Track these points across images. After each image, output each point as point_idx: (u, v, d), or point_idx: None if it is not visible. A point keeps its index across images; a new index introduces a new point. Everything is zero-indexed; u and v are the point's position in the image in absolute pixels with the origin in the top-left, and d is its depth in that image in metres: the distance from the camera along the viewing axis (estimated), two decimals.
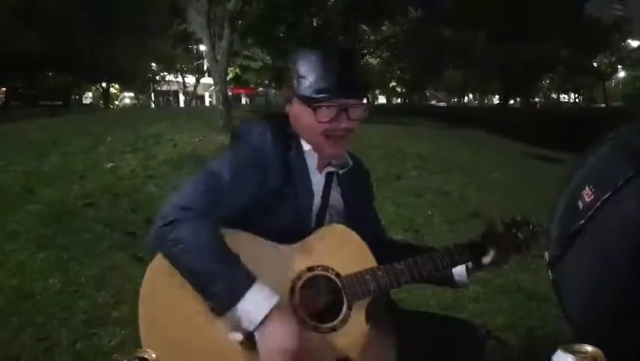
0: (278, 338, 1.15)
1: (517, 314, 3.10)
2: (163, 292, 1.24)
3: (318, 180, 1.44)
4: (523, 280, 3.55)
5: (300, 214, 1.39)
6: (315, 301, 1.34)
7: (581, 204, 2.80)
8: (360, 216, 1.51)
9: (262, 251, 1.31)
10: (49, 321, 2.82)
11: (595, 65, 33.63)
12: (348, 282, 1.34)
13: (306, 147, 1.42)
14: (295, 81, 1.37)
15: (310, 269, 1.33)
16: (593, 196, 2.73)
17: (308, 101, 1.34)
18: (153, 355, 0.94)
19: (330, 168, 1.47)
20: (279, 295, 1.21)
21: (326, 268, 1.34)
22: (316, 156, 1.43)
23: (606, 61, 34.83)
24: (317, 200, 1.43)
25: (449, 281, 1.58)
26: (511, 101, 33.25)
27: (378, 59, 27.56)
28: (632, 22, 34.51)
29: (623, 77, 42.68)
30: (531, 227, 1.57)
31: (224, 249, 1.21)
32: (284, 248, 1.34)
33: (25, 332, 2.69)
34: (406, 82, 30.07)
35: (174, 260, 1.21)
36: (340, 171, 1.48)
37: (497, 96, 36.13)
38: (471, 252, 1.50)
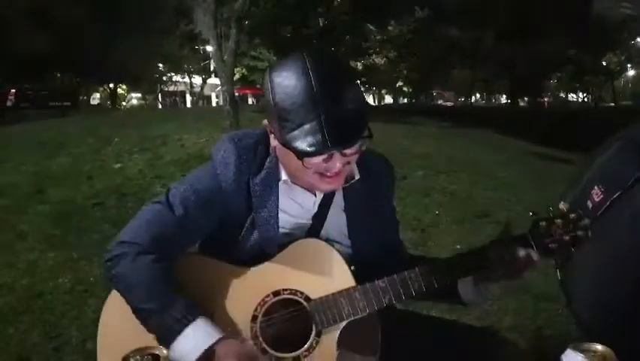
0: None
1: (524, 315, 3.07)
2: (119, 323, 1.22)
3: (308, 201, 1.30)
4: (531, 280, 3.52)
5: (262, 248, 1.27)
6: (282, 328, 1.22)
7: (590, 204, 2.76)
8: (369, 232, 1.34)
9: (224, 275, 1.23)
10: (59, 320, 2.85)
11: (604, 63, 33.39)
12: (318, 306, 1.20)
13: (284, 175, 1.27)
14: (275, 124, 1.13)
15: (276, 293, 1.22)
16: (602, 196, 2.70)
17: (293, 153, 1.12)
18: (165, 351, 0.94)
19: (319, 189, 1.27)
20: (238, 322, 1.18)
21: (294, 292, 1.22)
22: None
23: (615, 60, 34.55)
24: (304, 221, 1.30)
25: (453, 298, 1.31)
26: (519, 101, 33.11)
27: (384, 59, 27.53)
28: None
29: (632, 76, 42.35)
30: (572, 218, 1.24)
31: (161, 286, 1.15)
32: (247, 270, 1.24)
33: (35, 330, 2.72)
34: (412, 81, 30.00)
35: (120, 294, 1.20)
36: (344, 185, 1.27)
37: (504, 96, 35.97)
38: (476, 261, 1.23)
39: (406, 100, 33.39)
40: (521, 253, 1.20)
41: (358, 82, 1.43)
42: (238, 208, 1.26)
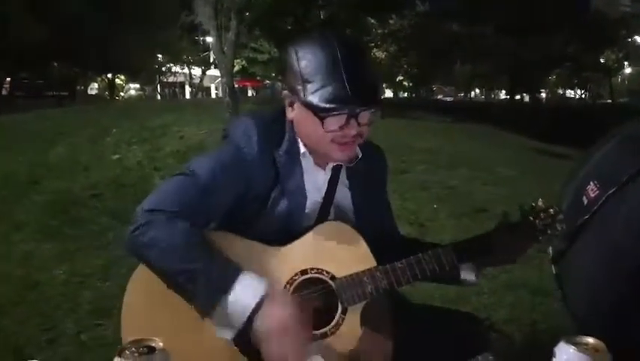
0: (277, 317, 1.11)
1: (520, 308, 3.08)
2: (145, 305, 1.22)
3: (320, 178, 1.36)
4: (527, 274, 3.53)
5: (291, 218, 1.30)
6: (309, 306, 1.26)
7: (585, 200, 2.77)
8: (371, 211, 1.41)
9: (252, 254, 1.25)
10: (54, 311, 2.83)
11: (602, 60, 33.34)
12: (343, 285, 1.26)
13: (302, 148, 1.32)
14: (299, 86, 1.23)
15: (304, 272, 1.26)
16: (597, 192, 2.70)
17: (315, 110, 1.21)
18: (160, 344, 0.92)
19: (336, 163, 1.36)
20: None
21: (320, 271, 1.26)
22: (314, 156, 1.33)
23: (613, 57, 34.51)
24: (317, 199, 1.35)
25: (456, 279, 1.44)
26: (518, 97, 33.10)
27: (385, 53, 27.45)
28: None
29: (630, 74, 42.30)
30: (551, 212, 1.44)
31: (201, 246, 1.16)
32: (276, 250, 1.26)
33: (30, 322, 2.70)
34: (413, 76, 29.91)
35: (151, 265, 1.17)
36: (349, 165, 1.35)
37: (504, 91, 35.94)
38: (480, 247, 1.37)
39: (406, 94, 33.32)
40: (519, 239, 1.39)
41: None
42: (265, 179, 1.28)
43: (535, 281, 3.43)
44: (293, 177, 1.31)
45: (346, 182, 1.40)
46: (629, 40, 34.86)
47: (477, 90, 42.58)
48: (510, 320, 2.93)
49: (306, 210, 1.33)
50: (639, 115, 3.37)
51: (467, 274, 1.41)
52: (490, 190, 5.71)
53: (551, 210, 1.44)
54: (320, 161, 1.35)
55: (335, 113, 1.21)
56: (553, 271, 2.79)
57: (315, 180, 1.35)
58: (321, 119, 1.21)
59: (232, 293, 1.12)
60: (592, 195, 2.77)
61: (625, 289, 2.44)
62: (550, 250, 2.89)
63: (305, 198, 1.32)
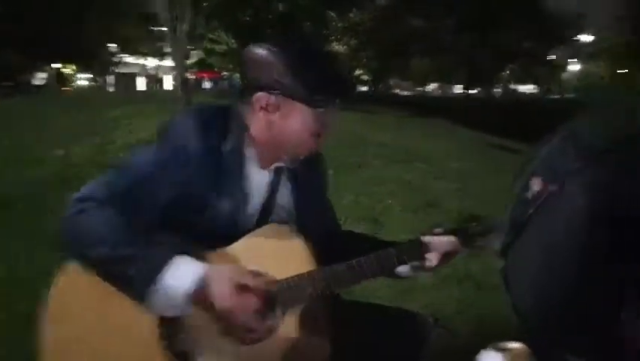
0: (220, 293, 1.13)
1: (467, 303, 3.12)
2: (75, 308, 1.19)
3: (262, 180, 1.35)
4: (473, 269, 3.61)
5: (232, 219, 1.28)
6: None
7: (530, 195, 2.87)
8: (312, 212, 1.41)
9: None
10: None
11: (552, 57, 34.53)
12: (283, 288, 1.24)
13: (248, 147, 1.31)
14: (288, 79, 1.23)
15: None
16: (541, 187, 2.80)
17: (309, 100, 1.24)
18: None
19: (278, 163, 1.35)
20: None
21: (258, 274, 1.23)
22: (258, 153, 1.33)
23: (562, 54, 35.81)
24: (258, 200, 1.34)
25: (394, 275, 1.47)
26: (474, 91, 33.87)
27: (345, 47, 27.49)
28: (587, 17, 35.50)
29: (578, 70, 43.97)
30: (480, 225, 1.52)
31: (131, 232, 1.14)
32: (215, 252, 1.23)
33: None
34: (372, 70, 30.11)
35: (83, 254, 1.15)
36: (291, 165, 1.37)
37: (459, 86, 36.68)
38: (420, 250, 1.41)
39: (364, 88, 33.53)
40: (454, 246, 1.44)
41: None
42: (204, 178, 1.24)
43: (481, 275, 3.50)
44: (235, 177, 1.29)
45: (288, 184, 1.40)
46: (577, 38, 36.23)
47: (433, 85, 43.31)
48: (456, 314, 2.97)
49: (248, 212, 1.31)
50: (584, 110, 3.53)
51: (403, 271, 1.46)
52: (444, 185, 5.80)
53: (484, 221, 1.51)
54: (264, 162, 1.34)
55: (329, 103, 1.26)
56: (500, 266, 2.88)
57: (258, 182, 1.33)
58: (313, 109, 1.25)
59: (168, 275, 1.11)
60: (536, 189, 2.87)
61: (566, 283, 2.54)
62: (497, 243, 2.97)
63: (247, 199, 1.31)
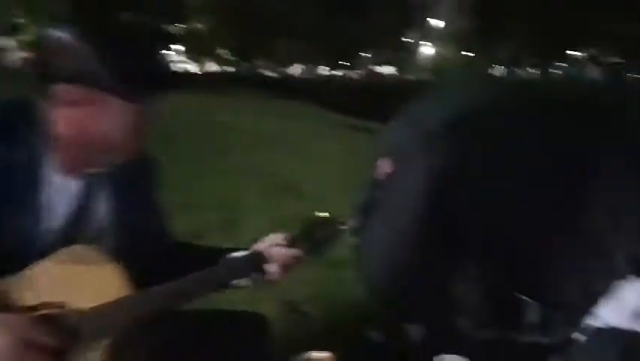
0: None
1: (321, 283, 3.11)
2: None
3: (66, 188, 1.15)
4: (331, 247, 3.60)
5: (25, 238, 1.09)
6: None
7: (380, 175, 2.89)
8: (136, 224, 1.25)
9: None
10: None
11: (407, 40, 36.76)
12: (84, 320, 1.05)
13: (51, 152, 1.11)
14: (97, 68, 1.03)
15: (32, 308, 1.03)
16: (388, 167, 2.84)
17: (122, 93, 1.05)
18: None
19: (90, 169, 1.17)
20: None
21: (54, 305, 1.05)
22: (63, 158, 1.12)
23: (415, 37, 38.32)
24: (62, 214, 1.15)
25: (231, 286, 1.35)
26: (339, 73, 34.88)
27: (206, 24, 26.47)
28: (439, 3, 38.27)
29: (431, 53, 47.41)
30: (330, 227, 1.41)
31: None
32: (1, 281, 1.03)
33: None
34: (235, 50, 29.41)
35: None
36: (106, 170, 1.19)
37: (327, 68, 37.48)
38: (254, 264, 1.30)
39: (229, 69, 32.70)
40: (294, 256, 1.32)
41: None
42: None
43: (335, 254, 3.49)
44: (28, 188, 1.09)
45: (104, 193, 1.22)
46: (429, 22, 38.94)
47: (300, 66, 43.79)
48: (310, 296, 2.95)
49: (48, 229, 1.13)
50: (427, 93, 3.64)
51: (241, 282, 1.32)
52: (307, 169, 5.78)
53: (330, 223, 1.40)
54: (71, 168, 1.15)
55: (147, 96, 1.08)
56: (353, 244, 2.88)
57: (61, 192, 1.15)
58: (130, 106, 1.06)
59: None
60: (384, 170, 2.89)
61: (413, 259, 2.60)
62: (350, 222, 2.96)
63: (45, 214, 1.12)
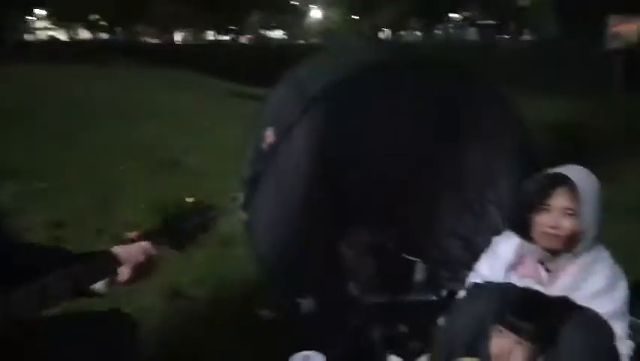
0: None
1: (208, 265, 2.95)
2: None
3: None
4: (220, 226, 3.39)
5: None
6: None
7: (264, 145, 2.72)
8: None
9: None
10: None
11: (295, 2, 36.30)
12: None
13: None
14: None
15: None
16: (273, 137, 2.67)
17: None
18: None
19: None
20: None
21: None
22: None
23: (303, 1, 37.97)
24: None
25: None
26: (225, 38, 33.61)
27: None
28: None
29: (319, 17, 47.33)
30: (202, 214, 1.25)
31: None
32: None
33: None
34: (108, 14, 27.01)
35: None
36: None
37: (212, 33, 35.97)
38: (105, 265, 1.15)
39: (102, 36, 30.05)
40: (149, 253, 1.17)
41: None
42: None
43: (227, 230, 3.32)
44: None
45: None
46: None
47: (183, 32, 41.72)
48: (197, 280, 2.79)
49: None
50: (315, 56, 3.48)
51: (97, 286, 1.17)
52: (186, 141, 5.43)
53: (202, 210, 1.25)
54: None
55: None
56: (243, 218, 2.70)
57: None
58: None
59: None
60: (269, 140, 2.72)
61: (299, 228, 2.49)
62: (240, 196, 2.77)
63: None
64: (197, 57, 17.52)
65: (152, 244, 1.17)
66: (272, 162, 2.60)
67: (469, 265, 1.93)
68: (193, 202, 1.24)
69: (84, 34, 29.28)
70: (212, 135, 5.68)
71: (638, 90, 9.80)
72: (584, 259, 1.61)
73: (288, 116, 2.65)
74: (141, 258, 1.16)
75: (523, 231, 1.68)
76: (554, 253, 1.63)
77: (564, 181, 1.59)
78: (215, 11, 26.89)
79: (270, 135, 2.74)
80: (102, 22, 28.43)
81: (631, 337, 1.60)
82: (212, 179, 4.23)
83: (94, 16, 27.23)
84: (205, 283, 2.78)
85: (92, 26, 29.02)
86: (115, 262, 1.15)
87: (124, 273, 1.16)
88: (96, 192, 3.91)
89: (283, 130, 2.60)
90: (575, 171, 1.62)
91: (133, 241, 1.18)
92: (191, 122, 6.29)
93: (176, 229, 1.20)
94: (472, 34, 35.75)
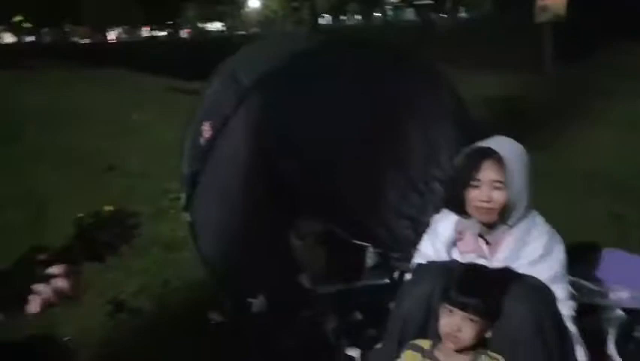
0: None
1: (151, 272, 2.86)
2: None
3: None
4: (160, 231, 3.28)
5: None
6: None
7: (202, 141, 2.60)
8: None
9: None
10: None
11: None
12: None
13: None
14: None
15: None
16: (210, 131, 2.56)
17: None
18: None
19: None
20: None
21: None
22: None
23: None
24: None
25: None
26: (161, 33, 32.65)
27: None
28: None
29: (258, 6, 46.66)
30: (122, 223, 1.11)
31: None
32: None
33: None
34: (32, 15, 25.58)
35: None
36: None
37: (147, 29, 34.85)
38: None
39: (28, 38, 28.51)
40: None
41: None
42: None
43: (168, 235, 3.20)
44: None
45: None
46: None
47: (117, 30, 40.16)
48: (140, 290, 2.68)
49: None
50: (242, 47, 3.37)
51: None
52: (122, 143, 5.18)
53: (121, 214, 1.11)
54: None
55: None
56: (187, 219, 2.59)
57: None
58: None
59: None
60: (207, 135, 2.60)
61: (242, 224, 2.41)
62: (183, 196, 2.65)
63: None
64: (133, 55, 16.87)
65: (66, 264, 1.04)
66: (210, 157, 2.50)
67: (418, 244, 1.93)
68: (112, 211, 1.10)
69: (7, 37, 27.66)
70: (151, 135, 5.46)
71: (566, 61, 10.20)
72: (519, 229, 1.63)
73: (223, 109, 2.56)
74: (51, 288, 1.02)
75: (459, 207, 1.68)
76: (491, 225, 1.64)
77: (490, 154, 1.59)
78: (147, 7, 25.96)
79: (207, 130, 2.63)
80: (26, 24, 26.91)
81: (573, 297, 1.64)
82: (155, 181, 4.07)
83: (17, 18, 25.72)
84: (150, 293, 2.67)
85: (15, 28, 27.44)
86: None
87: (33, 305, 1.02)
88: (27, 207, 3.68)
89: (219, 124, 2.51)
90: (500, 143, 1.63)
91: (45, 263, 1.04)
92: (129, 122, 6.02)
93: (91, 240, 1.07)
94: (410, 14, 36.31)
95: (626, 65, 9.32)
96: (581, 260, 2.28)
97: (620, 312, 2.05)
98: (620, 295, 2.16)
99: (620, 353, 1.71)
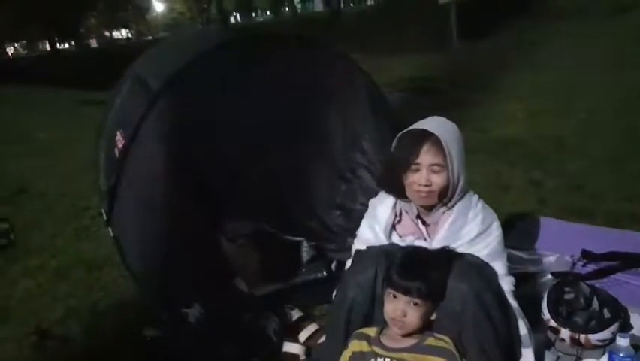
0: None
1: (78, 294, 2.66)
2: None
3: None
4: (83, 250, 3.08)
5: None
6: None
7: (116, 152, 2.42)
8: None
9: None
10: None
11: None
12: None
13: None
14: None
15: None
16: (123, 141, 2.38)
17: None
18: None
19: None
20: None
21: None
22: None
23: None
24: None
25: None
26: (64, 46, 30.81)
27: None
28: None
29: (162, 10, 45.05)
30: None
31: None
32: None
33: None
34: None
35: None
36: None
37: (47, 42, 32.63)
38: None
39: None
40: None
41: None
42: None
43: (92, 254, 3.00)
44: None
45: None
46: None
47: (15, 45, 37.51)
48: (67, 314, 2.48)
49: None
50: (154, 49, 3.18)
51: None
52: (32, 163, 4.80)
53: None
54: None
55: None
56: (111, 234, 2.40)
57: None
58: None
59: None
60: (120, 145, 2.42)
61: (163, 234, 2.27)
62: (104, 212, 2.46)
63: None
64: (35, 69, 15.83)
65: None
66: (126, 168, 2.33)
67: (351, 232, 1.89)
68: None
69: None
70: (63, 152, 5.09)
71: (471, 39, 10.66)
72: (457, 209, 1.62)
73: (134, 117, 2.39)
74: None
75: (397, 191, 1.65)
76: (430, 207, 1.63)
77: (428, 137, 1.55)
78: (44, 19, 24.24)
79: (120, 140, 2.47)
80: None
81: (510, 270, 1.66)
82: (72, 199, 3.80)
83: None
84: (78, 317, 2.48)
85: None
86: None
87: None
88: None
89: (131, 131, 2.34)
90: (436, 124, 1.59)
91: None
92: (33, 140, 5.60)
93: None
94: (318, 6, 36.51)
95: (528, 41, 9.86)
96: (511, 230, 2.35)
97: (549, 276, 2.11)
98: (549, 260, 2.23)
99: (554, 317, 1.75)
